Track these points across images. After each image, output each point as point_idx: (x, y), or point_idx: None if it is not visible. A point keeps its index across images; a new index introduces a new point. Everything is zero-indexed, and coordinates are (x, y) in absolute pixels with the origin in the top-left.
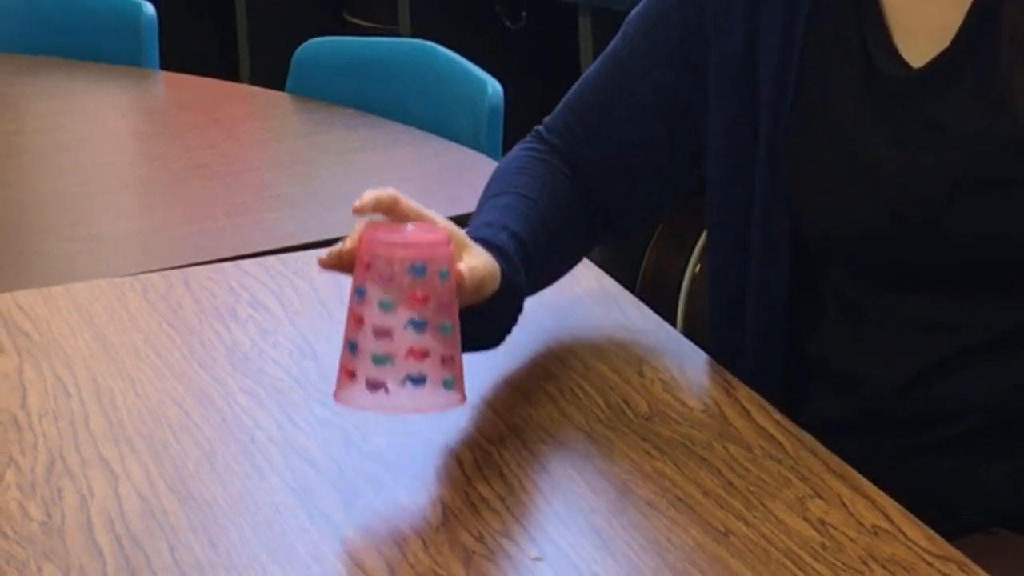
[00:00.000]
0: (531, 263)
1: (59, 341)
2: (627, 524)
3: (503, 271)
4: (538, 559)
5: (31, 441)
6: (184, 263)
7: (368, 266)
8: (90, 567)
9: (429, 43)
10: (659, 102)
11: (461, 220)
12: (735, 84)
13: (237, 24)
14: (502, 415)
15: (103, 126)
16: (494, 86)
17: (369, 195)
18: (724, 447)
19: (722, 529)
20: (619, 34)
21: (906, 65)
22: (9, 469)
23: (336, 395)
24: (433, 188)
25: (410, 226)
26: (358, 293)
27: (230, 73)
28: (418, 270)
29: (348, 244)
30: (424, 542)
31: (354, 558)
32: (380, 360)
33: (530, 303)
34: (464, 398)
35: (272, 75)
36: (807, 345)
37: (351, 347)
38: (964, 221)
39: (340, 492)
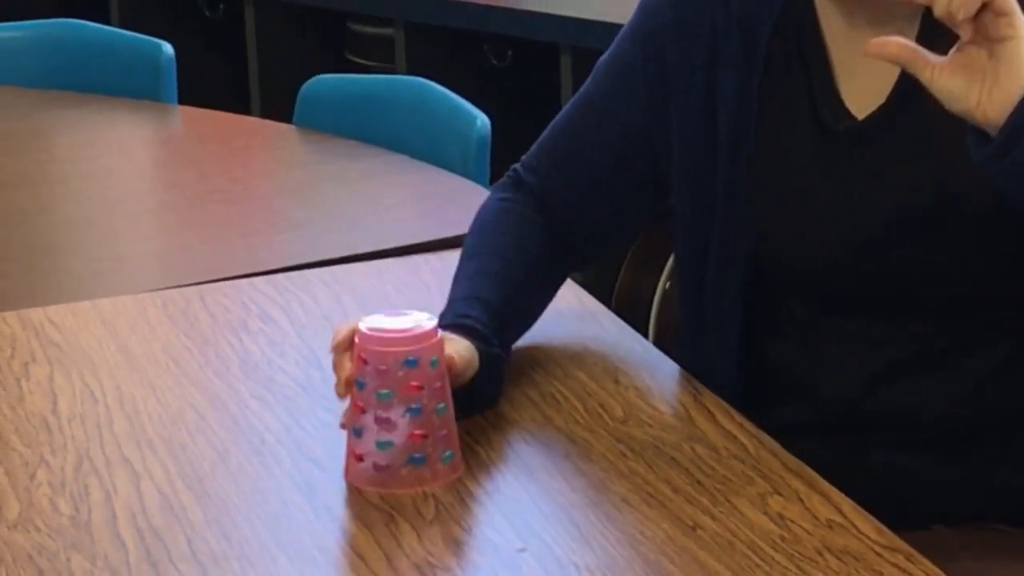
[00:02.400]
0: (507, 324)
1: (86, 352)
2: (603, 518)
3: (480, 351)
4: (522, 549)
5: (61, 442)
6: (200, 280)
7: (365, 362)
8: (114, 557)
9: (423, 80)
10: (625, 143)
11: (452, 241)
12: (696, 132)
13: (248, 62)
14: (489, 418)
15: (126, 156)
16: (482, 119)
17: (343, 334)
18: (692, 448)
19: (690, 523)
20: (589, 78)
21: (850, 117)
22: (41, 468)
23: (347, 476)
24: (426, 212)
25: (399, 316)
26: (358, 385)
27: (242, 107)
28: (411, 363)
29: (343, 347)
30: (418, 534)
31: (355, 549)
32: (383, 446)
33: None
34: (461, 468)
35: (280, 109)
36: (765, 357)
37: (356, 433)
38: (901, 257)
39: (342, 489)
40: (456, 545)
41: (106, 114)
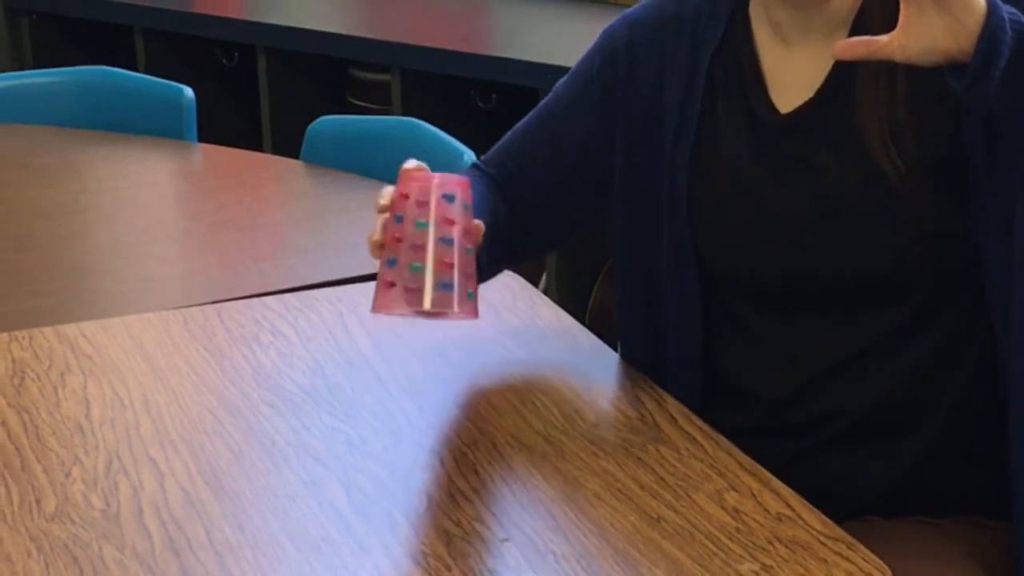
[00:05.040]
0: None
1: (116, 363)
2: (578, 512)
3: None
4: (505, 540)
5: (93, 444)
6: (217, 299)
7: (407, 196)
8: (141, 546)
9: (417, 120)
10: (578, 144)
11: None
12: (643, 135)
13: (261, 105)
14: (476, 423)
15: (152, 188)
16: (469, 155)
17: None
18: (656, 449)
19: (655, 516)
20: (551, 92)
21: (777, 111)
22: (75, 467)
23: (375, 306)
24: None
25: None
26: (397, 219)
27: (255, 145)
28: (448, 198)
29: (390, 194)
30: (412, 526)
31: (355, 539)
32: (416, 268)
33: (498, 332)
34: (478, 313)
35: (289, 146)
36: (713, 364)
37: (389, 262)
38: (828, 237)
39: (344, 486)
40: (446, 536)
41: (133, 151)
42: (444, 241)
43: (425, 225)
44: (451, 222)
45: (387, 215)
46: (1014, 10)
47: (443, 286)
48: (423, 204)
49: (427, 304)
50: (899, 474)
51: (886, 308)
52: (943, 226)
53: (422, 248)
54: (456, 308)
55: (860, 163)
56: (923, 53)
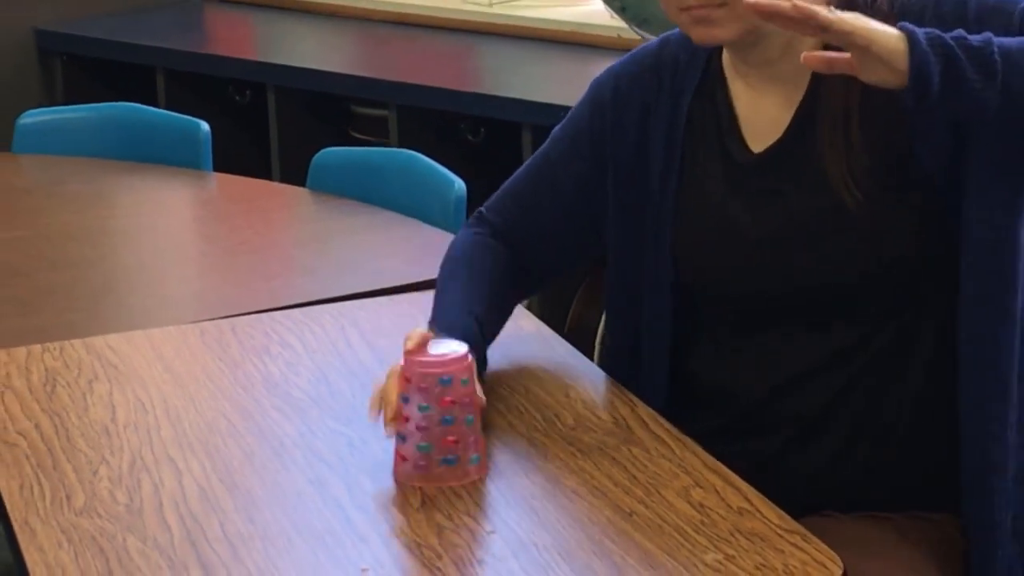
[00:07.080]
0: (487, 331)
1: (139, 372)
2: (557, 506)
3: (477, 356)
4: (491, 532)
5: (118, 445)
6: (231, 314)
7: (409, 380)
8: (161, 537)
9: (412, 152)
10: (575, 188)
11: (434, 283)
12: (631, 177)
13: (270, 138)
14: None
15: (171, 213)
16: (459, 184)
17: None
18: (629, 449)
19: (628, 510)
20: (547, 140)
21: (750, 151)
22: (102, 466)
23: (395, 473)
24: (413, 259)
25: (439, 344)
26: (403, 399)
27: (265, 174)
28: (445, 381)
29: (393, 380)
30: (408, 520)
31: (356, 532)
32: (423, 448)
33: None
34: (487, 468)
35: (296, 176)
36: (687, 369)
37: (401, 438)
38: (796, 263)
39: (346, 483)
40: (439, 528)
41: (155, 180)
42: (445, 421)
43: (427, 409)
44: (450, 402)
45: (395, 396)
46: (933, 30)
47: (448, 461)
48: (424, 389)
49: (435, 479)
50: (853, 473)
51: (844, 321)
52: (896, 247)
53: (426, 430)
54: (461, 480)
55: (823, 194)
56: (875, 81)
